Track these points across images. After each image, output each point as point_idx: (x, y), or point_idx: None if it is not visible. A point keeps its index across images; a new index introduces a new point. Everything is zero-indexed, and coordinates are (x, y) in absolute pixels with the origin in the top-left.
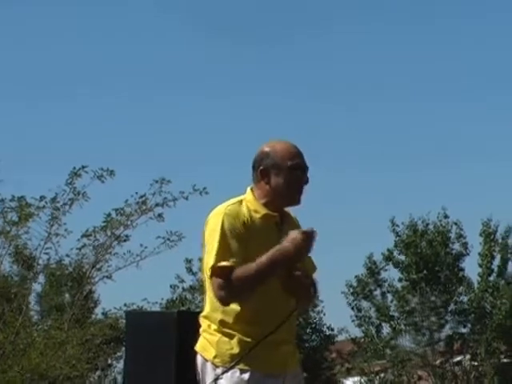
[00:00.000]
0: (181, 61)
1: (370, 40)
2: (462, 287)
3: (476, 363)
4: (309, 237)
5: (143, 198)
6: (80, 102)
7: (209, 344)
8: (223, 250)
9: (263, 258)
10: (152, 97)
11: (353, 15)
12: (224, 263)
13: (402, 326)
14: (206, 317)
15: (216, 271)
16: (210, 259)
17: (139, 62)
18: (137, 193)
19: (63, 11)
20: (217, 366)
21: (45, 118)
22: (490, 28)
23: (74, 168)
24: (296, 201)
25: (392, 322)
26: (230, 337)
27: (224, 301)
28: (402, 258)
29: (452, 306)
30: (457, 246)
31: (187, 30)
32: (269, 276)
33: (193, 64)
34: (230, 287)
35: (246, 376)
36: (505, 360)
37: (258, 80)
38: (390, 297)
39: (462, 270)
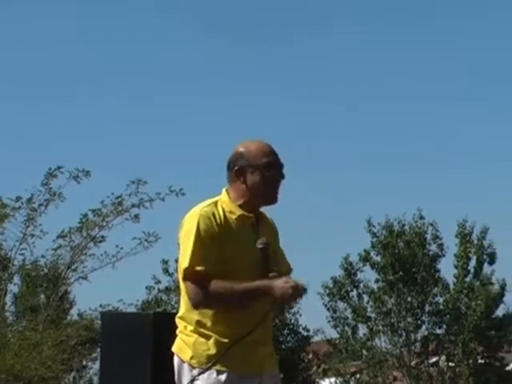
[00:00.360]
0: (181, 61)
1: (370, 40)
2: (437, 288)
3: (452, 364)
4: (297, 293)
5: (119, 199)
6: (80, 101)
7: (185, 345)
8: (198, 252)
9: (249, 287)
10: (152, 97)
11: (353, 15)
12: (199, 268)
13: (380, 327)
14: (181, 318)
15: (190, 274)
16: (184, 261)
17: (139, 62)
18: (113, 193)
19: (63, 11)
20: (193, 367)
21: (45, 118)
22: (490, 28)
23: (50, 168)
24: (273, 199)
25: (369, 323)
26: (207, 338)
27: (195, 306)
28: (379, 259)
29: (428, 307)
30: (433, 247)
31: (187, 29)
32: (245, 303)
33: (193, 64)
34: (204, 296)
35: (223, 377)
36: (481, 361)
37: (258, 80)
38: (366, 298)
39: (438, 271)
